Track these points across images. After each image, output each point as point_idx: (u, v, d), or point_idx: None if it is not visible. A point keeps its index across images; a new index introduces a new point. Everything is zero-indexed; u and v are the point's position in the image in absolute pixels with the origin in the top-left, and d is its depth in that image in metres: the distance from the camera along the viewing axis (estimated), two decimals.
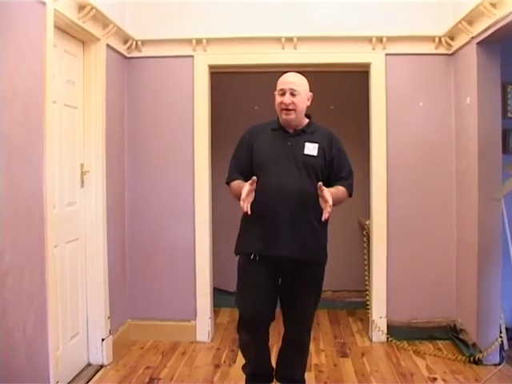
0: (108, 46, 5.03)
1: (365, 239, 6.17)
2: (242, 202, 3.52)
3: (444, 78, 5.54)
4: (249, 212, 3.53)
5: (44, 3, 3.77)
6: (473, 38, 4.90)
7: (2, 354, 3.27)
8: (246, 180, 3.64)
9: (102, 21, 4.82)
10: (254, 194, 3.57)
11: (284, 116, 3.79)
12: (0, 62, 3.30)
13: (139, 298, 5.66)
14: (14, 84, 3.44)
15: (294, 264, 3.75)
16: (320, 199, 3.52)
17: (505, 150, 5.24)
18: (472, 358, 4.94)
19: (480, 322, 4.96)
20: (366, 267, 5.97)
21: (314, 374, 4.81)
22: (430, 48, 5.50)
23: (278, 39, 5.48)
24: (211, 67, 5.63)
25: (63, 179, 4.40)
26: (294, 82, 3.80)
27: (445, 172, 5.54)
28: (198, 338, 5.56)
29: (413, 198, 5.57)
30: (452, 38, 5.38)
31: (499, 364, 4.85)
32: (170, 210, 5.61)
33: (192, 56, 5.58)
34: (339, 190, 3.79)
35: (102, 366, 4.91)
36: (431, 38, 5.46)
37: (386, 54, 5.53)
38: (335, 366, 5.01)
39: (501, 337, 4.91)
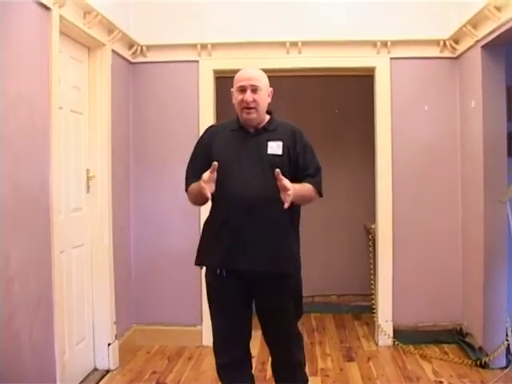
0: (113, 51, 5.05)
1: (370, 243, 6.16)
2: (202, 189, 3.17)
3: (449, 81, 5.54)
4: (209, 196, 3.20)
5: (49, 9, 3.79)
6: (477, 41, 4.90)
7: (8, 359, 3.27)
8: None
9: (107, 26, 4.84)
10: (213, 184, 3.22)
11: (245, 115, 3.43)
12: (5, 67, 3.32)
13: (145, 303, 5.66)
14: (19, 89, 3.46)
15: (264, 277, 3.37)
16: (280, 187, 3.16)
17: (510, 153, 5.21)
18: (478, 362, 4.93)
19: (486, 326, 4.95)
20: (372, 271, 5.97)
21: (321, 379, 4.80)
22: (434, 52, 5.50)
23: (283, 44, 5.49)
24: (216, 72, 5.64)
25: (69, 184, 4.41)
26: (255, 77, 3.44)
27: (450, 175, 5.54)
28: (204, 343, 5.54)
29: (418, 201, 5.57)
30: (457, 42, 5.38)
31: (506, 367, 4.84)
32: (174, 214, 5.62)
33: (197, 61, 5.60)
34: (305, 186, 3.39)
35: (108, 371, 4.92)
36: (436, 42, 5.46)
37: (391, 58, 5.53)
38: (341, 370, 5.01)
39: (507, 340, 4.89)
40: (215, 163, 3.19)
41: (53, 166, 3.85)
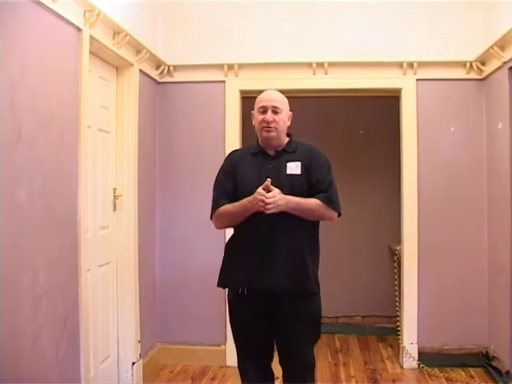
0: (141, 71, 5.10)
1: (395, 265, 6.13)
2: (259, 197, 3.29)
3: (475, 103, 5.53)
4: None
5: (80, 29, 3.84)
6: (504, 62, 4.88)
7: (35, 377, 3.28)
8: None
9: (136, 46, 4.90)
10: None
11: (265, 134, 3.53)
12: (38, 86, 3.36)
13: (169, 322, 5.67)
14: (50, 109, 3.50)
15: (285, 296, 3.44)
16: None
17: None
18: None
19: None
20: (397, 292, 5.93)
21: None
22: (461, 73, 5.49)
23: (309, 64, 5.52)
24: (242, 92, 5.67)
25: (96, 203, 4.43)
26: (276, 99, 3.57)
27: (476, 197, 5.51)
28: (228, 363, 5.53)
29: (444, 223, 5.54)
30: (483, 63, 5.37)
31: None
32: (201, 233, 5.61)
33: (223, 81, 5.64)
34: (307, 200, 3.45)
35: None
36: (462, 63, 5.45)
37: (417, 80, 5.54)
38: None
39: None
40: (269, 180, 3.31)
41: (81, 185, 3.87)
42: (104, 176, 4.64)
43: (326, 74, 5.54)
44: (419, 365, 5.47)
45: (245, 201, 3.40)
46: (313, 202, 3.46)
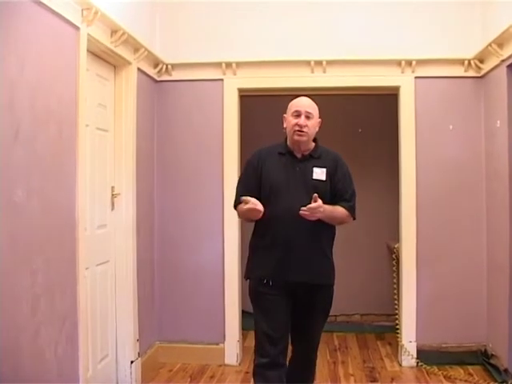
0: (139, 69, 5.09)
1: (394, 263, 6.13)
2: (252, 205, 3.58)
3: (474, 100, 5.53)
4: (261, 210, 3.59)
5: (78, 28, 3.83)
6: (503, 60, 4.88)
7: (34, 375, 3.29)
8: None
9: (134, 45, 4.89)
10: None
11: (296, 137, 3.77)
12: (36, 85, 3.36)
13: (168, 321, 5.66)
14: (49, 107, 3.50)
15: (307, 288, 3.75)
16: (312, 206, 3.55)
17: None
18: None
19: None
20: (395, 291, 5.93)
21: None
22: (459, 71, 5.49)
23: (308, 63, 5.51)
24: (241, 90, 5.66)
25: (94, 201, 4.43)
26: (310, 106, 3.86)
27: (474, 195, 5.52)
28: (227, 361, 5.54)
29: (442, 221, 5.55)
30: (482, 61, 5.37)
31: None
32: (198, 231, 5.63)
33: (222, 79, 5.63)
34: (337, 209, 3.78)
35: None
36: (460, 61, 5.45)
37: (416, 77, 5.54)
38: None
39: None
40: (246, 198, 3.59)
41: (79, 183, 3.87)
42: (102, 174, 4.63)
43: (325, 72, 5.54)
44: (418, 363, 5.47)
45: (244, 208, 3.66)
46: (341, 210, 3.79)
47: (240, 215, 3.94)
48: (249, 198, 3.59)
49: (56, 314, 3.57)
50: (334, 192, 3.81)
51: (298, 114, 3.79)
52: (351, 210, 3.86)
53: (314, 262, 3.73)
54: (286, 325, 3.79)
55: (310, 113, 3.79)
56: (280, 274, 3.71)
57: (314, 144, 3.91)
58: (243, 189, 3.85)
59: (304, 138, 3.77)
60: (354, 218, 3.92)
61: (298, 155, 3.84)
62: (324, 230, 3.76)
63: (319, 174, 3.78)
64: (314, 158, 3.84)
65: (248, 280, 3.93)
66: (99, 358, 4.54)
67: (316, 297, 3.79)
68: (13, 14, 3.12)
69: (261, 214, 3.62)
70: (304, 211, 3.52)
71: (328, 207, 3.65)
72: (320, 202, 3.54)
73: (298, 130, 3.75)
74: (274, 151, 3.90)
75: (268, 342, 3.75)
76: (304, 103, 3.86)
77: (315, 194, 3.54)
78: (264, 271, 3.77)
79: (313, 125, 3.81)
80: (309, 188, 3.70)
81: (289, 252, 3.68)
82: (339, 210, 3.78)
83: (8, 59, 3.07)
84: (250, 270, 3.90)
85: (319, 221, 3.63)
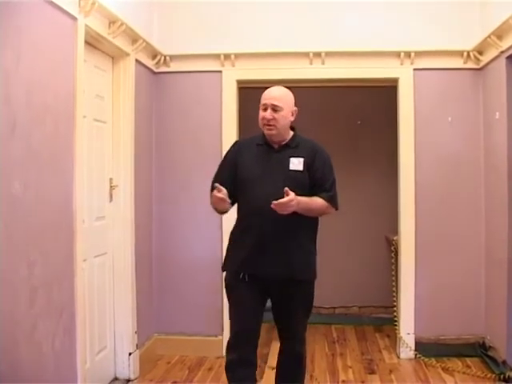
0: (137, 61, 5.07)
1: (392, 255, 6.13)
2: (220, 195, 3.49)
3: (473, 92, 5.52)
4: (228, 200, 3.53)
5: (75, 18, 3.81)
6: (502, 52, 4.87)
7: (31, 367, 3.29)
8: (229, 195, 3.57)
9: (132, 36, 4.87)
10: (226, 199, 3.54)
11: (266, 131, 3.70)
12: (33, 77, 3.34)
13: (166, 313, 5.66)
14: (45, 99, 3.48)
15: (281, 282, 3.64)
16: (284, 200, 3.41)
17: None
18: (502, 376, 4.86)
19: (510, 339, 4.87)
20: (394, 283, 5.93)
21: None
22: (458, 63, 5.47)
23: (306, 54, 5.50)
24: (239, 82, 5.65)
25: (92, 193, 4.42)
26: (276, 97, 3.68)
27: (473, 187, 5.51)
28: (225, 353, 5.53)
29: (441, 213, 5.54)
30: (481, 53, 5.36)
31: None
32: (197, 224, 5.63)
33: (220, 71, 5.62)
34: (314, 200, 3.65)
35: (128, 381, 4.92)
36: (459, 53, 5.43)
37: (414, 69, 5.52)
38: (363, 382, 4.98)
39: None
40: (217, 185, 3.51)
41: (76, 175, 3.86)
42: (100, 166, 4.62)
43: (323, 63, 5.52)
44: (416, 355, 5.47)
45: (215, 197, 3.57)
46: (319, 202, 3.66)
47: (211, 203, 3.76)
48: (221, 187, 3.50)
49: (53, 306, 3.56)
50: (312, 182, 3.68)
51: (264, 108, 3.69)
52: (331, 201, 3.73)
53: (289, 256, 3.63)
54: (257, 321, 3.73)
55: (276, 105, 3.64)
56: (253, 267, 3.63)
57: (291, 133, 3.81)
58: (216, 178, 3.77)
59: (273, 132, 3.68)
60: (336, 209, 3.80)
61: (275, 146, 3.76)
62: (302, 222, 3.63)
63: (296, 164, 3.67)
64: (291, 148, 3.74)
65: (224, 272, 3.89)
66: (97, 350, 4.54)
67: (293, 293, 3.70)
68: (8, 5, 3.09)
69: (227, 207, 3.63)
70: (275, 205, 3.40)
71: (303, 199, 3.53)
72: (292, 195, 3.41)
73: (266, 124, 3.67)
74: (253, 142, 3.84)
75: (238, 337, 3.72)
76: (270, 95, 3.71)
77: (286, 188, 3.40)
78: (238, 264, 3.70)
79: (282, 116, 3.66)
80: (285, 178, 3.59)
81: (262, 245, 3.60)
82: (317, 202, 3.66)
83: (3, 52, 3.05)
84: (226, 262, 3.85)
85: (296, 213, 3.50)
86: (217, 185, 3.52)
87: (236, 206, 3.82)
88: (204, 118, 5.66)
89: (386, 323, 6.54)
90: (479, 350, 5.42)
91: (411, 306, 5.54)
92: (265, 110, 3.68)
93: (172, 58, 5.63)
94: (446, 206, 5.54)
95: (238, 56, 5.56)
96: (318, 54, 5.50)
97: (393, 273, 6.01)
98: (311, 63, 5.53)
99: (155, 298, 5.64)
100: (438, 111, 5.55)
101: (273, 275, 3.62)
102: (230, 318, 3.82)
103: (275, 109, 3.64)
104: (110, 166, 4.81)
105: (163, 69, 5.67)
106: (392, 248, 6.17)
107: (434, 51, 5.44)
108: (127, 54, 4.87)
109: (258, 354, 3.78)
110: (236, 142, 4.00)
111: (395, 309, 5.84)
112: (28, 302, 3.27)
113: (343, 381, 5.01)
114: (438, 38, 5.44)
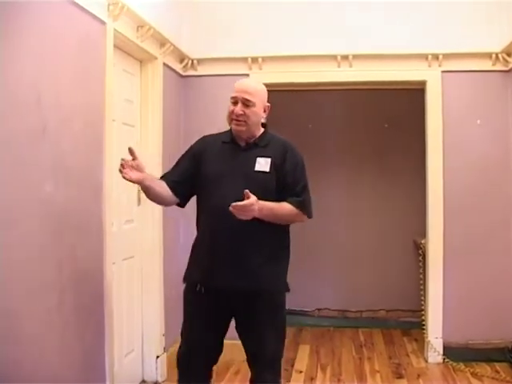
0: (164, 64, 5.10)
1: (420, 258, 6.09)
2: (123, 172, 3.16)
3: (501, 94, 5.47)
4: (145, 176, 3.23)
5: (104, 23, 3.84)
6: None
7: (61, 370, 3.31)
8: (175, 189, 3.45)
9: (160, 40, 4.89)
10: (136, 172, 3.19)
11: (234, 127, 3.35)
12: (64, 80, 3.37)
13: None
14: (75, 103, 3.50)
15: (244, 295, 3.27)
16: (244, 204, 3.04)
17: None
18: None
19: None
20: (422, 286, 5.90)
21: None
22: (486, 65, 5.44)
23: (334, 57, 5.49)
24: (266, 85, 5.61)
25: (121, 197, 4.43)
26: (249, 90, 3.33)
27: (503, 189, 5.46)
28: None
29: (470, 216, 5.49)
30: (509, 55, 5.31)
31: None
32: None
33: (247, 74, 5.61)
34: (281, 206, 3.27)
35: (155, 383, 4.93)
36: (488, 55, 5.40)
37: (442, 72, 5.49)
38: None
39: None
40: (246, 191, 3.06)
41: (106, 178, 3.88)
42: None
43: (351, 66, 5.51)
44: (444, 359, 5.44)
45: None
46: (287, 208, 3.29)
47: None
48: (127, 159, 3.17)
49: (83, 308, 3.58)
50: (281, 185, 3.30)
51: (234, 101, 3.33)
52: (302, 207, 3.34)
53: (249, 265, 3.23)
54: (210, 338, 3.42)
55: (248, 100, 3.28)
56: (209, 278, 3.29)
57: (262, 130, 3.45)
58: (171, 170, 3.54)
59: (242, 128, 3.32)
60: (310, 217, 3.41)
61: (242, 143, 3.41)
62: (267, 229, 3.24)
63: (263, 164, 3.29)
64: (259, 147, 3.37)
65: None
66: (125, 352, 4.56)
67: (255, 306, 3.29)
68: (39, 10, 3.12)
69: (157, 190, 3.36)
70: (233, 208, 3.03)
71: (268, 205, 3.18)
72: (253, 198, 3.05)
73: (235, 119, 3.32)
74: (219, 139, 3.51)
75: (186, 355, 3.48)
76: (242, 87, 3.35)
77: (246, 190, 3.03)
78: (194, 275, 3.41)
79: (254, 112, 3.31)
80: (249, 180, 3.21)
81: (220, 254, 3.26)
82: (284, 208, 3.28)
83: (36, 56, 3.08)
84: (185, 272, 3.53)
85: (263, 224, 3.19)
86: (123, 158, 3.18)
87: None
88: None
89: (414, 327, 6.51)
90: (508, 355, 5.36)
91: (439, 310, 5.50)
92: (235, 103, 3.32)
93: (199, 61, 5.66)
94: (474, 209, 5.49)
95: (265, 59, 5.57)
96: (345, 57, 5.48)
97: (421, 276, 5.98)
98: (339, 66, 5.51)
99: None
100: (466, 114, 5.51)
101: (231, 287, 3.25)
102: (181, 333, 3.55)
103: (247, 103, 3.29)
104: None
105: (191, 72, 5.69)
106: (420, 251, 6.13)
107: (462, 53, 5.41)
108: (155, 58, 4.90)
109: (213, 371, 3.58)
110: (201, 138, 3.62)
111: (423, 312, 5.80)
112: (57, 303, 3.28)
113: None
114: (465, 40, 5.40)
